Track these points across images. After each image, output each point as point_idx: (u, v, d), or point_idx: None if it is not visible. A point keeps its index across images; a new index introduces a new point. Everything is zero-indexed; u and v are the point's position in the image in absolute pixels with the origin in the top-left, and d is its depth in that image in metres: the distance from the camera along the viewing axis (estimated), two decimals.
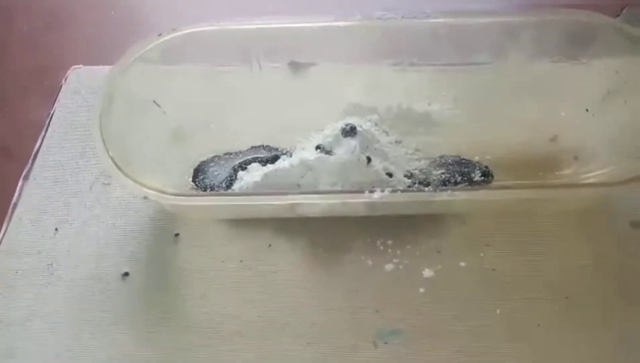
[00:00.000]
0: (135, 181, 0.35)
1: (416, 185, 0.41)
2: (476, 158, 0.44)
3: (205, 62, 0.44)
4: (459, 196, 0.36)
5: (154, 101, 0.42)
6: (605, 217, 0.41)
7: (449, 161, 0.44)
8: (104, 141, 0.36)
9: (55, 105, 0.50)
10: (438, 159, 0.44)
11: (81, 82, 0.51)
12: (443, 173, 0.43)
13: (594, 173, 0.42)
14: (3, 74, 0.55)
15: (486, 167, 0.44)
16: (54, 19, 0.60)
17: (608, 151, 0.42)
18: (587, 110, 0.44)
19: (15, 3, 0.63)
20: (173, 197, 0.35)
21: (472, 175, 0.43)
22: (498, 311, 0.38)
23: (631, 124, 0.41)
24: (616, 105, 0.42)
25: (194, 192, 0.42)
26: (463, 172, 0.43)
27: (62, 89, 0.51)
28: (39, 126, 0.49)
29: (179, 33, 0.41)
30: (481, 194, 0.37)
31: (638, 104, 0.41)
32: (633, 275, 0.39)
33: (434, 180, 0.42)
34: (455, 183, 0.42)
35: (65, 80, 0.52)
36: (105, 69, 0.50)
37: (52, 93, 0.51)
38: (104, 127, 0.38)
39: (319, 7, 0.53)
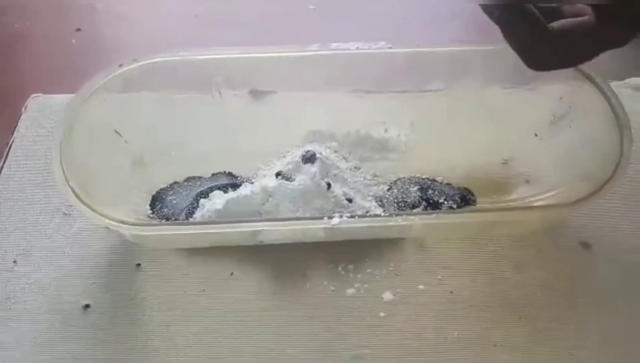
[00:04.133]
0: (95, 211, 0.35)
1: (392, 207, 0.43)
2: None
3: (166, 91, 0.44)
4: (416, 221, 0.37)
5: (115, 131, 0.42)
6: (557, 238, 0.43)
7: (428, 182, 0.46)
8: (64, 171, 0.36)
9: (15, 134, 0.50)
10: (412, 178, 0.46)
11: (41, 111, 0.51)
12: (418, 190, 0.45)
13: (544, 196, 0.44)
14: None
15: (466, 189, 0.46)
16: (12, 48, 0.60)
17: (556, 173, 0.44)
18: (535, 135, 0.46)
19: None
20: (133, 227, 0.36)
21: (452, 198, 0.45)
22: (456, 334, 0.39)
23: (576, 147, 0.43)
24: (562, 129, 0.44)
25: (155, 221, 0.42)
26: (445, 193, 0.45)
27: (21, 118, 0.51)
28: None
29: (140, 63, 0.42)
30: (437, 218, 0.38)
31: (581, 127, 0.43)
32: (584, 293, 0.41)
33: (414, 197, 0.44)
34: (435, 204, 0.44)
35: (25, 108, 0.51)
36: (65, 97, 0.51)
37: (11, 122, 0.51)
38: (65, 156, 0.38)
39: (278, 38, 0.54)
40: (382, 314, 0.40)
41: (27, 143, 0.49)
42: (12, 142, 0.49)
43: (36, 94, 0.53)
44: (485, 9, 0.32)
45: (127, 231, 0.36)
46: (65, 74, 0.56)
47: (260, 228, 0.39)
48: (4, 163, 0.48)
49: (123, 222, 0.35)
